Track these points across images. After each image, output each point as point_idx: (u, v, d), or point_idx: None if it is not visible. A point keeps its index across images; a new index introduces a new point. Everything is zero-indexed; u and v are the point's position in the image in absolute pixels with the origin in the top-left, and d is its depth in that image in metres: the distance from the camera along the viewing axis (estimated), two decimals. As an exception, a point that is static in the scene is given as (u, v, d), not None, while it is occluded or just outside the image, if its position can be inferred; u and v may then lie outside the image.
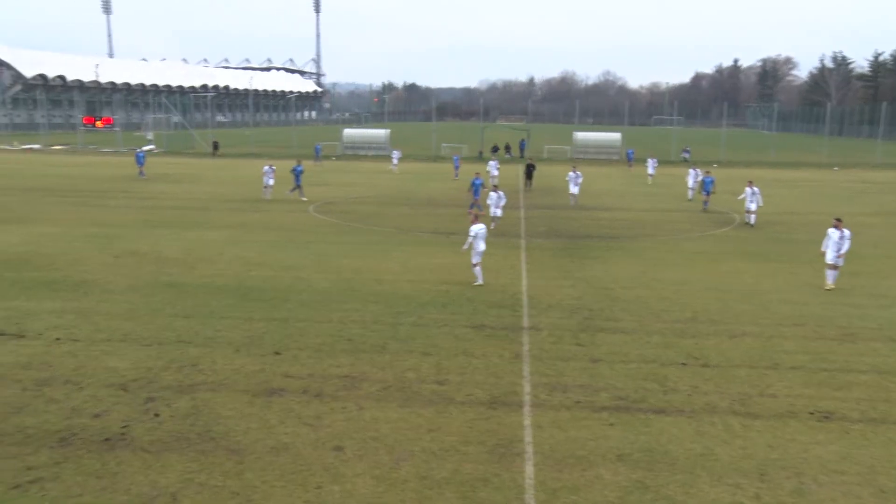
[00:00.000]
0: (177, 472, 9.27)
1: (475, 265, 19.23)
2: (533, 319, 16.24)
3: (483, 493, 8.98)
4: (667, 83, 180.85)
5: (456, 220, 30.83)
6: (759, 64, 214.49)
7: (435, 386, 12.33)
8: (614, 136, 77.36)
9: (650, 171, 50.14)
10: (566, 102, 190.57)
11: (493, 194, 28.45)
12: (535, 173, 46.32)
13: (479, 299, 17.82)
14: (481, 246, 19.12)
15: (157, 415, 10.92)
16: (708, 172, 37.77)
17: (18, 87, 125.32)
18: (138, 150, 52.81)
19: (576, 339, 14.90)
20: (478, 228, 19.05)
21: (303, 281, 19.35)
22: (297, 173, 37.46)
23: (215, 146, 74.27)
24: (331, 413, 11.15)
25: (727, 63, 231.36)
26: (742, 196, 31.20)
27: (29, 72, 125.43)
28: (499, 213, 28.34)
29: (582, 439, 10.46)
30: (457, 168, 52.52)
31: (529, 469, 9.58)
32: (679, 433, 10.72)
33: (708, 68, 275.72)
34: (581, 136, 77.26)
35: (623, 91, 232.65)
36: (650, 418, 11.22)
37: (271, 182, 37.66)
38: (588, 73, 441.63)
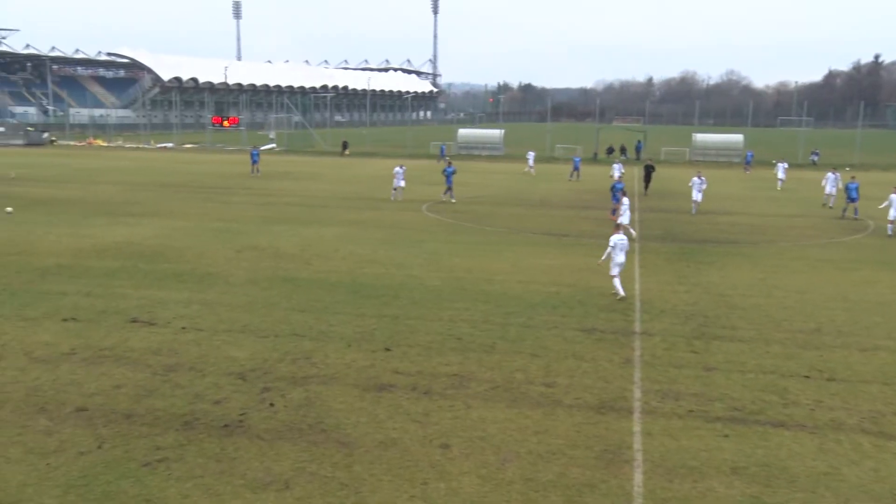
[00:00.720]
0: (289, 461, 9.59)
1: (613, 277, 17.96)
2: (645, 324, 15.85)
3: (589, 499, 8.83)
4: (796, 82, 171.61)
5: (569, 222, 30.52)
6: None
7: (543, 388, 12.23)
8: (736, 138, 74.35)
9: (780, 175, 47.28)
10: (685, 103, 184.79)
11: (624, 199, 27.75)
12: (654, 175, 44.22)
13: (591, 302, 17.54)
14: (621, 258, 17.99)
15: (272, 404, 11.34)
16: (853, 178, 33.89)
17: (156, 90, 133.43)
18: (253, 148, 54.92)
19: (690, 346, 14.42)
20: (617, 239, 18.05)
21: (414, 279, 19.63)
22: (448, 174, 36.67)
23: (344, 146, 75.42)
24: (438, 410, 11.25)
25: (866, 59, 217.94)
26: (885, 204, 29.08)
27: (166, 75, 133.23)
28: (625, 219, 27.22)
29: (694, 449, 10.11)
30: (577, 170, 51.21)
31: (638, 477, 9.35)
32: (800, 449, 10.19)
33: (843, 65, 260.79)
34: (700, 137, 74.75)
35: (747, 91, 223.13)
36: (768, 431, 10.72)
37: (402, 183, 37.25)
38: (710, 72, 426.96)
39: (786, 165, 48.18)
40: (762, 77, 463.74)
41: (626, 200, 26.66)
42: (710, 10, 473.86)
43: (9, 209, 30.08)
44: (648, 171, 43.80)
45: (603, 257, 18.58)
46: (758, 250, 24.93)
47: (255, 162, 50.78)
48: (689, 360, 13.69)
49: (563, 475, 9.36)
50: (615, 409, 11.42)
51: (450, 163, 38.88)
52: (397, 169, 37.79)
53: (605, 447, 10.15)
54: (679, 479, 9.31)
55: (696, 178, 34.85)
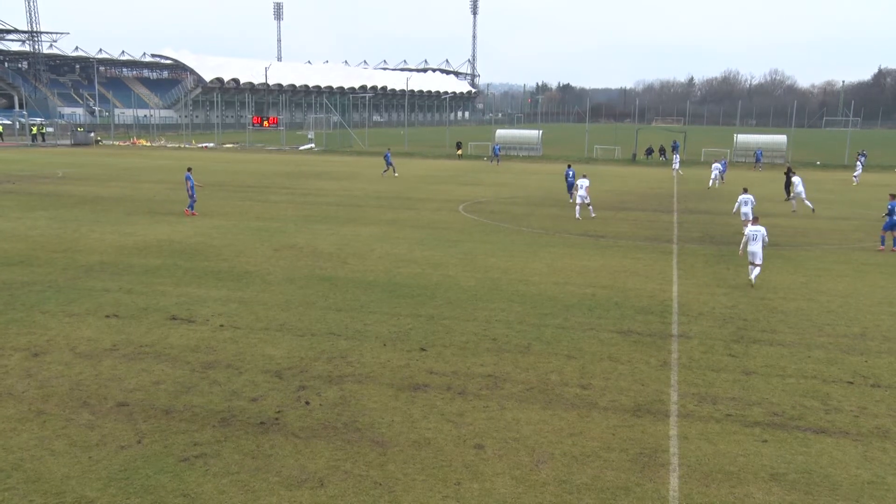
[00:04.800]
0: (324, 459, 9.67)
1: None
2: (682, 327, 15.65)
3: (624, 502, 8.74)
4: (843, 81, 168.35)
5: (606, 224, 30.26)
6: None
7: (578, 390, 12.15)
8: (779, 139, 73.07)
9: (714, 174, 47.23)
10: (727, 103, 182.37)
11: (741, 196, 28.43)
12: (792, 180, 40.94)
13: (627, 304, 17.38)
14: (753, 247, 19.49)
15: (307, 403, 11.44)
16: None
17: (198, 90, 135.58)
18: (387, 150, 54.41)
19: (728, 350, 14.21)
20: (751, 230, 19.71)
21: (449, 279, 19.65)
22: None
23: (458, 146, 73.39)
24: (473, 411, 11.25)
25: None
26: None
27: (208, 76, 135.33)
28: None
29: (732, 454, 9.96)
30: (722, 174, 49.17)
31: (674, 481, 9.23)
32: (843, 456, 9.97)
33: (894, 63, 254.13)
34: (742, 137, 73.58)
35: (791, 91, 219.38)
36: (809, 438, 10.51)
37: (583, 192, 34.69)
38: (753, 72, 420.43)
39: (721, 165, 48.84)
40: (807, 76, 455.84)
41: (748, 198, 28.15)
42: (754, 8, 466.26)
43: (59, 173, 30.83)
44: (788, 176, 42.41)
45: (740, 250, 20.20)
46: (799, 253, 24.47)
47: (389, 163, 50.23)
48: (727, 363, 13.48)
49: (598, 478, 9.29)
50: (651, 412, 11.29)
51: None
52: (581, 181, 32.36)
53: (641, 450, 10.04)
54: (716, 485, 9.18)
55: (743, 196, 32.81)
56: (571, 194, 35.90)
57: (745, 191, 29.19)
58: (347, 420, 10.84)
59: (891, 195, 25.18)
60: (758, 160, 64.17)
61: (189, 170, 32.09)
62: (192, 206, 30.81)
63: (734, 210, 29.89)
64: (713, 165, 48.30)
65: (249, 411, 11.09)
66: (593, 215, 31.59)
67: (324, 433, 10.41)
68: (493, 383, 12.36)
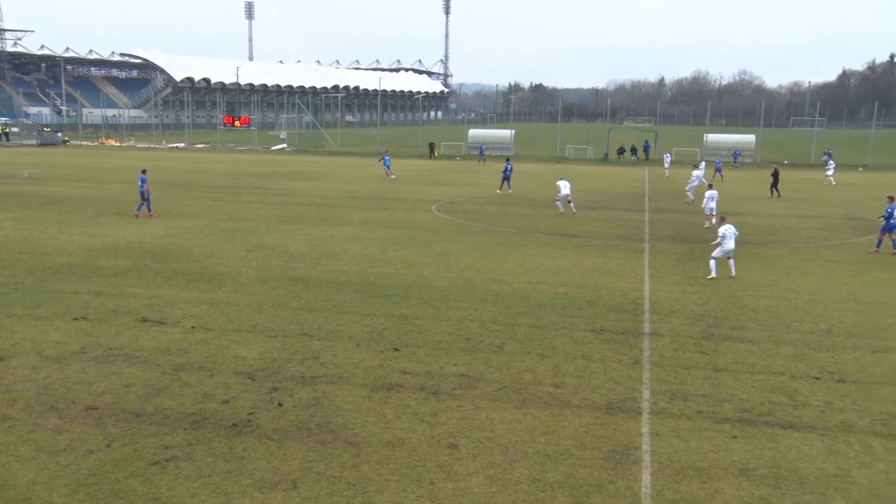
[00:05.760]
0: (297, 461, 9.62)
1: (713, 258, 20.42)
2: (654, 325, 15.80)
3: (597, 499, 8.81)
4: (809, 82, 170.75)
5: (578, 223, 30.45)
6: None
7: (551, 388, 12.21)
8: (748, 138, 74.04)
9: (829, 172, 49.85)
10: (697, 103, 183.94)
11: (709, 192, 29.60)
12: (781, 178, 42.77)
13: (600, 303, 17.50)
14: (730, 244, 20.24)
15: (280, 404, 11.37)
16: (892, 199, 31.65)
17: (169, 90, 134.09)
18: (385, 153, 53.42)
19: (699, 347, 14.37)
20: (725, 229, 20.28)
21: (423, 279, 19.64)
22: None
23: (431, 148, 73.37)
24: (446, 411, 11.26)
25: (881, 59, 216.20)
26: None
27: (179, 75, 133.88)
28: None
29: (703, 451, 10.07)
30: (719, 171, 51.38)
31: (646, 478, 9.32)
32: (810, 451, 10.13)
33: (858, 65, 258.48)
34: (712, 137, 74.35)
35: (760, 91, 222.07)
36: (777, 433, 10.67)
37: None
38: (722, 72, 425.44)
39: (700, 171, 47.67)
40: (775, 77, 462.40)
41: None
42: (722, 10, 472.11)
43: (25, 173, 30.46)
44: (776, 175, 42.76)
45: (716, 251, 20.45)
46: (768, 251, 24.80)
47: (387, 166, 49.75)
48: (698, 360, 13.64)
49: (571, 476, 9.35)
50: (623, 410, 11.39)
51: (507, 159, 42.61)
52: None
53: (614, 448, 10.12)
54: (687, 481, 9.28)
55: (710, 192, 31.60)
56: (501, 185, 41.42)
57: (711, 187, 31.03)
58: (321, 421, 10.80)
59: (889, 198, 25.24)
60: (735, 159, 66.35)
61: (144, 171, 31.07)
62: (148, 208, 29.99)
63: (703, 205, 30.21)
64: (693, 174, 40.72)
65: (222, 413, 10.99)
66: (562, 211, 33.28)
67: (297, 434, 10.36)
68: (467, 383, 12.38)
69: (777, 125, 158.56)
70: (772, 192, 41.60)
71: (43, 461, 9.47)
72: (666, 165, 57.83)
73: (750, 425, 10.92)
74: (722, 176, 51.69)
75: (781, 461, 9.82)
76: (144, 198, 30.00)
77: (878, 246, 25.08)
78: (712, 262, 20.29)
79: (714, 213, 28.71)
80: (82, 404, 11.23)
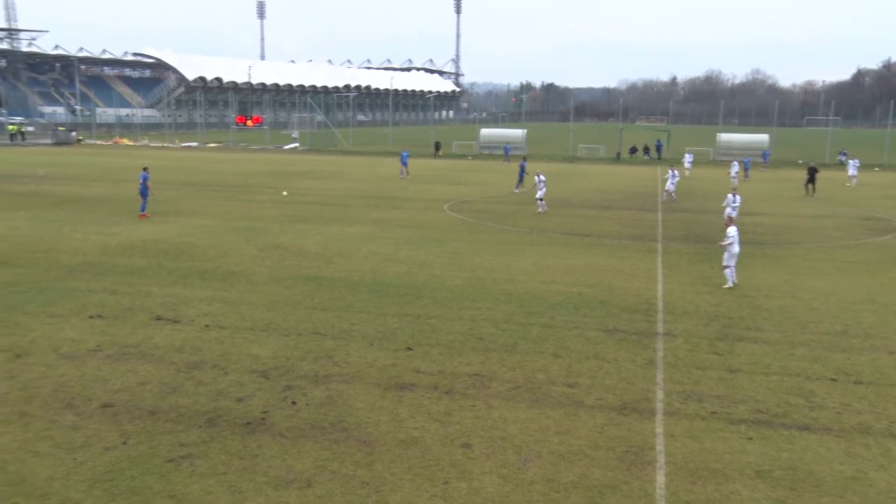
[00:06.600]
0: (311, 459, 9.64)
1: (726, 268, 19.37)
2: (668, 325, 15.74)
3: (611, 500, 8.78)
4: (823, 81, 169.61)
5: (591, 222, 30.37)
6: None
7: (565, 388, 12.19)
8: (761, 138, 73.60)
9: (852, 172, 48.32)
10: (710, 103, 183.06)
11: (729, 196, 28.30)
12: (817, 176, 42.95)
13: (613, 303, 17.45)
14: (736, 248, 19.31)
15: (294, 402, 11.40)
16: None
17: (181, 90, 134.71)
18: (404, 151, 52.63)
19: (713, 348, 14.30)
20: (734, 232, 19.38)
21: (436, 278, 19.64)
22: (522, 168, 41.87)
23: (437, 146, 73.37)
24: (460, 410, 11.25)
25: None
26: None
27: (191, 75, 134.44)
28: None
29: (718, 452, 10.03)
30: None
31: (660, 479, 9.28)
32: (826, 453, 10.06)
33: (873, 63, 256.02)
34: (725, 137, 74.09)
35: (773, 90, 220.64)
36: (793, 435, 10.60)
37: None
38: (735, 71, 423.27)
39: (857, 163, 48.86)
40: (789, 76, 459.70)
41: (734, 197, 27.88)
42: (736, 9, 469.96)
43: (284, 192, 35.40)
44: (812, 173, 42.94)
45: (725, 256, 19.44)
46: (783, 251, 24.66)
47: (404, 164, 49.52)
48: (712, 361, 13.57)
49: (585, 476, 9.32)
50: (637, 411, 11.35)
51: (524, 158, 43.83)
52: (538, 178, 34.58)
53: (627, 448, 10.09)
54: (702, 482, 9.23)
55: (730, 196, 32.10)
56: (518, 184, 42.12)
57: (735, 192, 29.81)
58: (334, 420, 10.82)
59: None
60: (765, 159, 64.64)
61: (145, 169, 31.00)
62: (142, 206, 29.95)
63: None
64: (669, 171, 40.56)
65: (236, 411, 11.03)
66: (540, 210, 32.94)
67: (311, 433, 10.38)
68: (480, 382, 12.37)
69: (791, 125, 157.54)
70: (806, 188, 41.83)
71: (60, 457, 9.53)
72: (687, 165, 55.28)
73: (766, 427, 10.85)
74: (747, 175, 51.38)
75: (798, 463, 9.76)
76: (144, 196, 29.99)
77: None
78: (727, 272, 19.31)
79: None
80: (98, 401, 11.30)
